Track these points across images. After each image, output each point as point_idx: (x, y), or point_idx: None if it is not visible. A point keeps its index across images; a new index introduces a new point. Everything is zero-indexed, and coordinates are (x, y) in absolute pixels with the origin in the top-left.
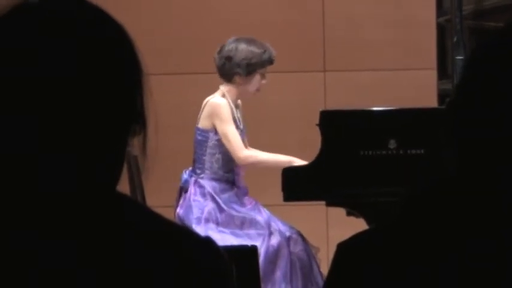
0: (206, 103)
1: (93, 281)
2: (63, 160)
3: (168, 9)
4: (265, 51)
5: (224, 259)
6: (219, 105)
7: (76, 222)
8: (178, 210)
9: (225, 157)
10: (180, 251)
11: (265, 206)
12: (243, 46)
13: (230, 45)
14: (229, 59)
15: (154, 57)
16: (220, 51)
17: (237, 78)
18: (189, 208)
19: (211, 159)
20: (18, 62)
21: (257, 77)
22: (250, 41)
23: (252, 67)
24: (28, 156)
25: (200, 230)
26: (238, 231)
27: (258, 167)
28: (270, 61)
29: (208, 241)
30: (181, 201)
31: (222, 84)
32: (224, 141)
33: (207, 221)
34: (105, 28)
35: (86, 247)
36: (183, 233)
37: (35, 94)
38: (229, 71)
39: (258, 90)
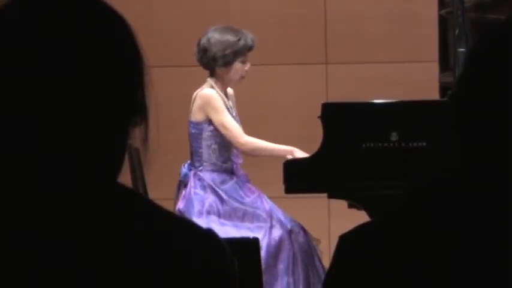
0: (196, 95)
1: (93, 281)
2: (63, 160)
3: (169, 1)
4: (239, 39)
5: (225, 254)
6: (210, 96)
7: (76, 222)
8: (178, 204)
9: (221, 147)
10: (179, 249)
11: (267, 197)
12: (216, 37)
13: (205, 38)
14: (204, 51)
15: (155, 49)
16: (197, 45)
17: (217, 70)
18: (189, 202)
19: (208, 151)
20: (18, 62)
21: (237, 65)
22: (224, 30)
23: (227, 57)
24: (28, 156)
25: (202, 223)
26: (240, 224)
27: (258, 154)
28: (248, 48)
29: (209, 236)
30: (181, 195)
31: (208, 76)
32: (222, 130)
33: (209, 213)
34: (106, 25)
35: (86, 247)
36: (183, 230)
37: (35, 94)
38: (207, 64)
39: (242, 77)
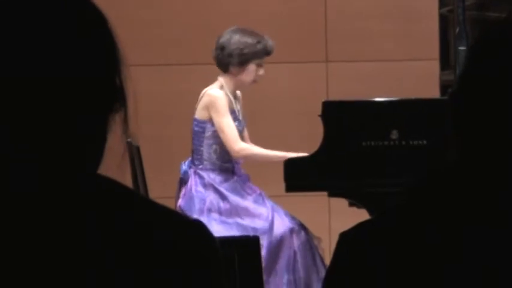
0: (204, 94)
1: (85, 280)
2: (43, 154)
3: (168, 0)
4: (259, 42)
5: (212, 248)
6: (216, 96)
7: (66, 219)
8: (179, 202)
9: (222, 148)
10: (167, 239)
11: (268, 196)
12: (236, 36)
13: (225, 36)
14: (222, 48)
15: (154, 48)
16: (216, 42)
17: (231, 69)
18: (190, 199)
19: (209, 150)
20: None
21: (251, 67)
22: (245, 32)
23: (244, 57)
24: (6, 154)
25: (203, 221)
26: (241, 222)
27: (252, 160)
28: (266, 52)
29: (197, 225)
30: (182, 193)
31: (220, 75)
32: (220, 133)
33: (210, 211)
34: (80, 14)
35: (77, 245)
36: (170, 219)
37: (13, 89)
38: (223, 61)
39: (254, 81)
